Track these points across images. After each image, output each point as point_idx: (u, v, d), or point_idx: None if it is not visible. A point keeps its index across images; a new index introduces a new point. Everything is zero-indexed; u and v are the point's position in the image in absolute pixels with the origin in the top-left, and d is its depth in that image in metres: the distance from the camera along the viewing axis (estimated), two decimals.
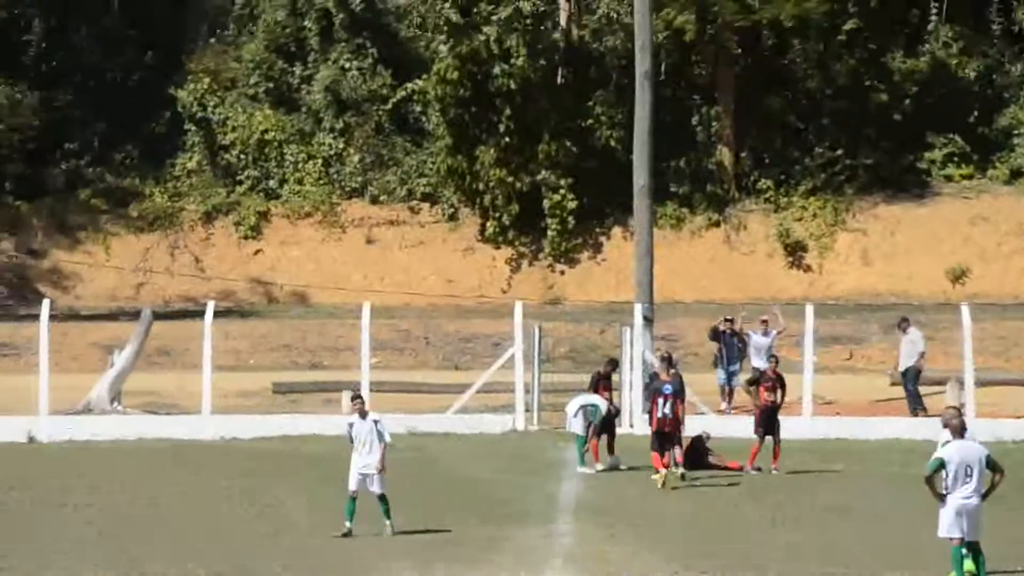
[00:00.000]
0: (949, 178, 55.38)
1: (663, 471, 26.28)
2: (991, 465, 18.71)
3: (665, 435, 26.57)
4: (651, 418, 26.96)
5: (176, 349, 43.79)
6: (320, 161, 57.42)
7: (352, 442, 22.47)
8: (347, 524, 22.22)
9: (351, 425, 22.53)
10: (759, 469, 27.63)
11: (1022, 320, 45.92)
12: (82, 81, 59.47)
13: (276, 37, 59.21)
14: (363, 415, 22.49)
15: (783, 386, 27.98)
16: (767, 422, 27.60)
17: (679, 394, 26.76)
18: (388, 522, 22.35)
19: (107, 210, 56.85)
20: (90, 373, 38.37)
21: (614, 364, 30.24)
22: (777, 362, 28.45)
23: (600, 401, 28.34)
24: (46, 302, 35.37)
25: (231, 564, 20.50)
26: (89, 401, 35.65)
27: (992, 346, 42.11)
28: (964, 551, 18.53)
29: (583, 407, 28.16)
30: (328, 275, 54.08)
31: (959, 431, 18.87)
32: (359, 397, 23.29)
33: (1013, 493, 20.92)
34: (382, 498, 22.38)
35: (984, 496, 18.63)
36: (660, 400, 26.66)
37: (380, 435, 22.34)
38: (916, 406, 34.11)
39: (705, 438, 28.55)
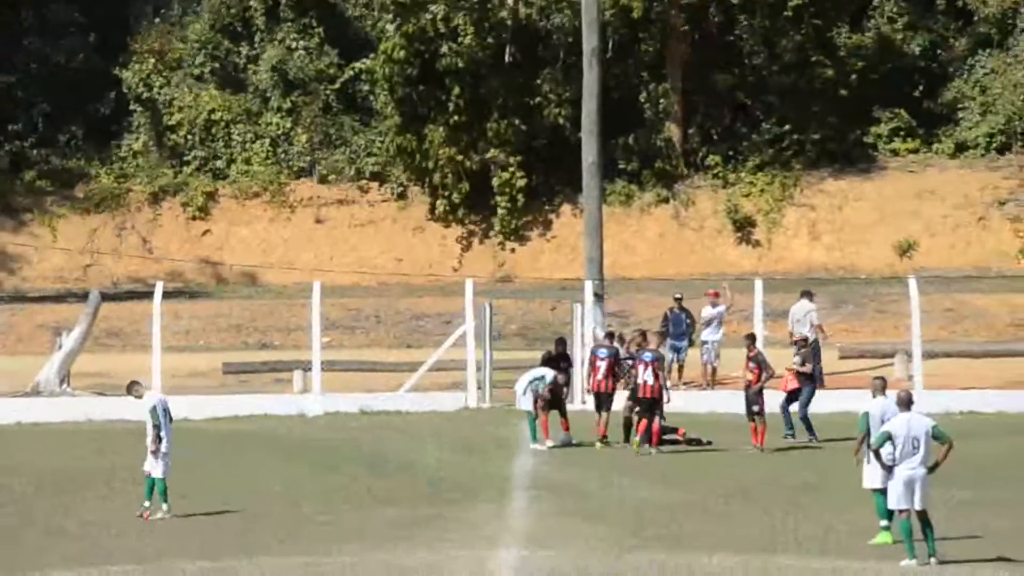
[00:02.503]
0: (895, 152, 55.70)
1: (638, 437, 27.06)
2: (938, 436, 18.88)
3: (645, 402, 27.05)
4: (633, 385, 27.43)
5: (125, 330, 43.62)
6: (268, 141, 57.24)
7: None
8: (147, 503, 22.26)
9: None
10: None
11: (968, 292, 46.27)
12: (25, 63, 59.00)
13: (221, 17, 58.92)
14: (139, 398, 22.47)
15: (761, 365, 27.58)
16: (745, 401, 27.52)
17: (660, 362, 27.37)
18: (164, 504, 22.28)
19: (53, 192, 56.50)
20: (37, 355, 38.19)
21: (564, 343, 30.20)
22: (754, 340, 28.26)
23: (546, 371, 28.38)
24: None
25: (192, 545, 20.47)
26: (37, 383, 35.48)
27: (939, 318, 42.43)
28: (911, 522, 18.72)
29: (531, 383, 28.20)
30: (277, 255, 53.97)
31: (905, 403, 19.04)
32: (134, 383, 23.17)
33: (959, 464, 21.09)
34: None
35: (932, 468, 18.80)
36: (641, 367, 27.11)
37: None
38: None
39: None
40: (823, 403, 31.07)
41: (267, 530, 21.42)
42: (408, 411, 32.66)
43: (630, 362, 28.32)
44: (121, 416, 32.56)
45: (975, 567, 18.53)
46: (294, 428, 31.02)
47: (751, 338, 28.25)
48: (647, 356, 27.28)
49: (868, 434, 19.47)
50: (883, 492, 19.45)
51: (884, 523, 19.68)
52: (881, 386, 20.37)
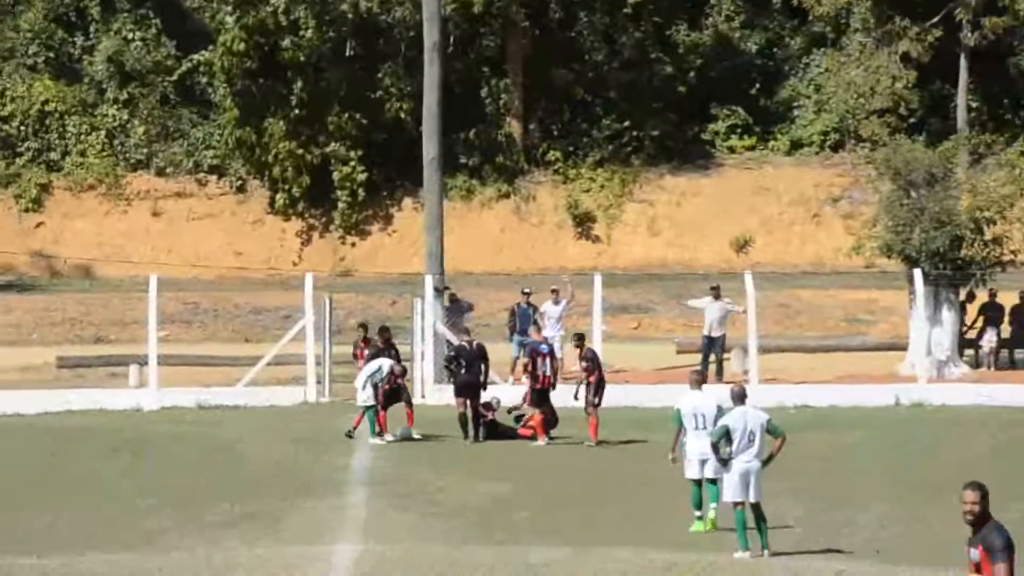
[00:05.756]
0: (732, 149, 56.45)
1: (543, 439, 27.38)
2: (772, 430, 19.17)
3: (544, 392, 27.73)
4: (533, 377, 27.82)
5: None
6: (104, 133, 56.39)
7: None
8: None
9: None
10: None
11: (802, 288, 47.04)
12: None
13: (55, 6, 57.91)
14: None
15: (591, 361, 27.78)
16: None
17: (554, 354, 28.59)
18: None
19: None
20: None
21: (387, 331, 29.77)
22: (582, 338, 28.76)
23: (384, 362, 28.29)
24: None
25: (31, 539, 20.11)
26: None
27: (774, 313, 43.06)
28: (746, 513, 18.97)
29: (370, 376, 28.11)
30: (113, 248, 53.16)
31: (740, 397, 19.33)
32: None
33: (792, 457, 21.44)
34: None
35: (766, 461, 19.08)
36: (539, 359, 27.80)
37: None
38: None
39: (495, 405, 28.70)
40: (653, 396, 31.39)
41: (107, 521, 21.07)
42: (246, 406, 32.37)
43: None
44: None
45: (807, 558, 18.83)
46: (128, 423, 30.60)
47: (580, 337, 28.80)
48: (544, 348, 28.21)
49: (681, 428, 20.02)
50: (698, 483, 19.98)
51: (698, 513, 20.12)
52: (698, 380, 20.78)
